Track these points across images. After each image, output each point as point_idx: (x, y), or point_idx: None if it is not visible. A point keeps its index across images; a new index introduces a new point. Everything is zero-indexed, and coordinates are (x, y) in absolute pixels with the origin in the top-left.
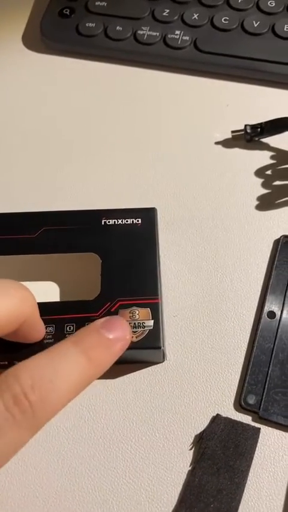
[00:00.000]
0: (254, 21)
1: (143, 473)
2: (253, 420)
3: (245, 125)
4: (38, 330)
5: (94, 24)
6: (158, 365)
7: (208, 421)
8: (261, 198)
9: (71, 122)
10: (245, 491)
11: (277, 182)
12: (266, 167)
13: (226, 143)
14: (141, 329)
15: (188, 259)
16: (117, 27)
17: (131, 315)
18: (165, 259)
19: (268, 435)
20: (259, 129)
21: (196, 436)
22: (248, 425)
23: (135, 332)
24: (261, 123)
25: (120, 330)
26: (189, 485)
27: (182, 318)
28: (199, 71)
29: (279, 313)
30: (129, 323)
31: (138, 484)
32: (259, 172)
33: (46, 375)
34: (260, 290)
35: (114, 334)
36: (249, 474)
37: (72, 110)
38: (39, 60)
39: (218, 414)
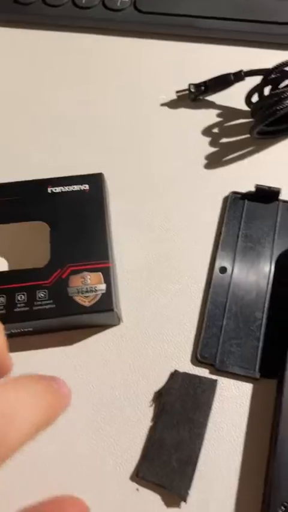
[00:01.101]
0: None
1: (106, 432)
2: (210, 372)
3: (189, 85)
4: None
5: None
6: (114, 327)
7: (167, 378)
8: (209, 156)
9: (12, 92)
10: (205, 440)
11: (224, 140)
12: (213, 126)
13: (172, 104)
14: (94, 293)
15: (140, 222)
16: None
17: (83, 280)
18: (117, 225)
19: (226, 386)
20: (203, 87)
21: (155, 393)
22: (205, 377)
23: (87, 296)
24: (205, 81)
25: (66, 388)
26: (151, 440)
27: (136, 280)
28: (140, 33)
29: (230, 268)
30: (81, 288)
31: (101, 444)
32: (206, 131)
33: (5, 413)
34: (211, 247)
35: (62, 390)
36: (209, 424)
37: (13, 79)
38: None
39: (176, 370)
